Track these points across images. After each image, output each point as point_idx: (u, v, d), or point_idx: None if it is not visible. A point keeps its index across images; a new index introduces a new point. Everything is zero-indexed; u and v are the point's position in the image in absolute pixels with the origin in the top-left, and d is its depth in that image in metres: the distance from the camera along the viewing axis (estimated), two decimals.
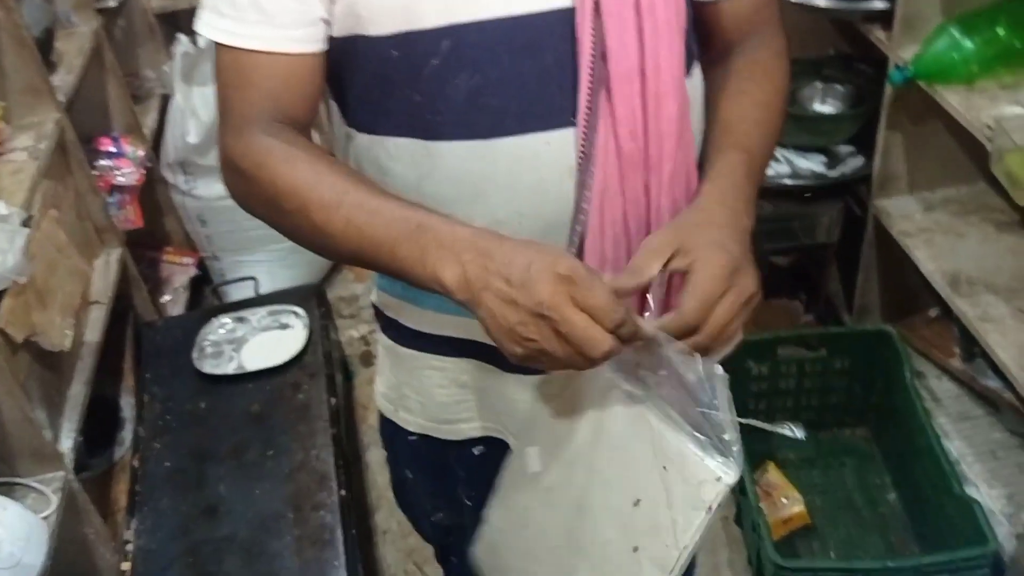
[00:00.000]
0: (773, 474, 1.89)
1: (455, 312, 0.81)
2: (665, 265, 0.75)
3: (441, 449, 1.10)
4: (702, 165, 0.87)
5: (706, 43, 0.94)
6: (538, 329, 0.70)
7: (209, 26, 0.83)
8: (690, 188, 0.86)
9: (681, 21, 0.83)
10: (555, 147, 0.82)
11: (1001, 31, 1.47)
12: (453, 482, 1.16)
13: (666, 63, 0.81)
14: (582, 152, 0.81)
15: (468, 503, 1.17)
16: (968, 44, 1.46)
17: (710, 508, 0.73)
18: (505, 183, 0.83)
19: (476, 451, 1.08)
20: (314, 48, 0.83)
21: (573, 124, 0.81)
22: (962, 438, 1.77)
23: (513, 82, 0.80)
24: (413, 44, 0.80)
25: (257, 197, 0.84)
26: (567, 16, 0.79)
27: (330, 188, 0.79)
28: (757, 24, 0.94)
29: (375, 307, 1.08)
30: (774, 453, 1.97)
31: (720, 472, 0.71)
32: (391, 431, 1.15)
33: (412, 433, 1.11)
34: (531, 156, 0.82)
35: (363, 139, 0.89)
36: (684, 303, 0.74)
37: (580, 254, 0.85)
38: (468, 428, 1.06)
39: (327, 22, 0.83)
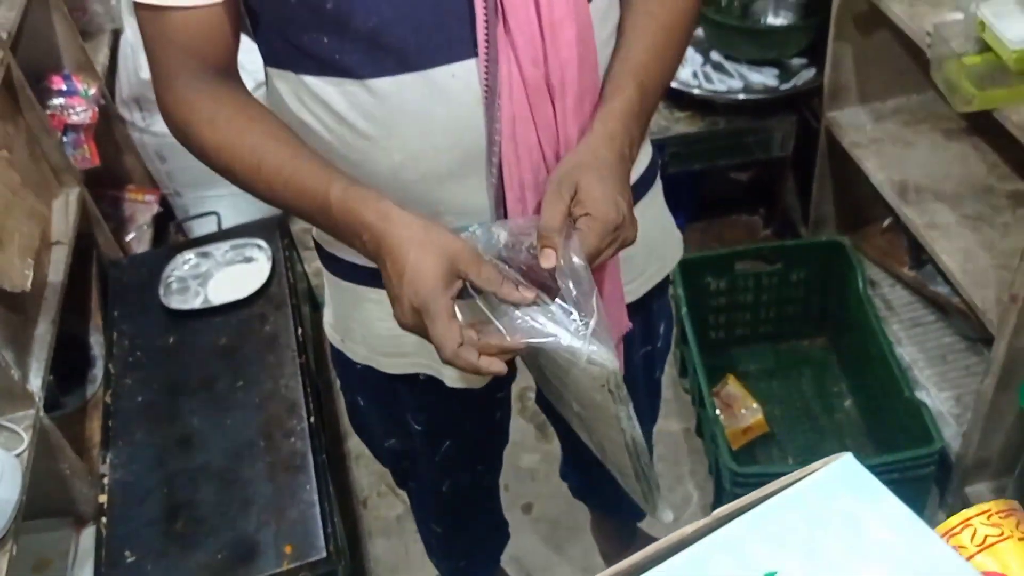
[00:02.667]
0: (733, 386, 1.94)
1: None
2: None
3: (388, 377, 1.13)
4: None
5: None
6: (413, 318, 0.81)
7: None
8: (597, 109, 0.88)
9: None
10: (461, 79, 0.83)
11: None
12: (402, 408, 1.19)
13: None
14: (486, 83, 0.82)
15: (417, 428, 1.20)
16: None
17: (603, 386, 0.81)
18: (417, 118, 0.84)
19: (422, 377, 1.11)
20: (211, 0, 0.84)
21: (475, 55, 0.82)
22: (914, 344, 1.82)
23: (410, 18, 0.80)
24: None
25: (191, 148, 0.90)
26: None
27: (249, 152, 0.85)
28: None
29: (315, 241, 1.10)
30: (735, 366, 2.02)
31: (587, 352, 0.78)
32: (341, 360, 1.18)
33: (359, 363, 1.14)
34: (439, 90, 0.83)
35: (283, 78, 0.90)
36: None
37: (500, 182, 0.87)
38: (405, 363, 1.09)
39: None
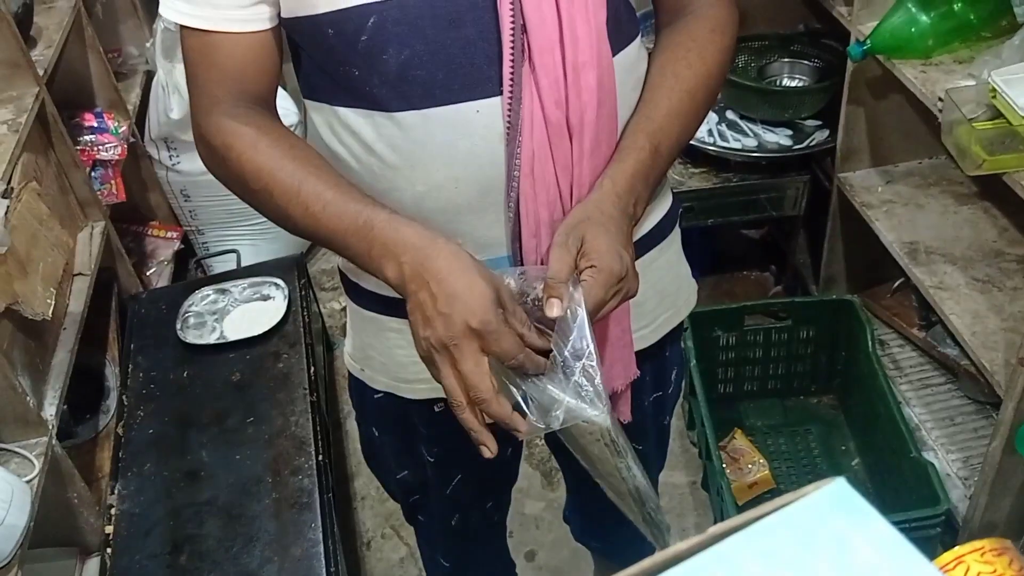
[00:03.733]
0: (740, 440, 1.94)
1: None
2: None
3: (404, 407, 1.15)
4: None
5: (656, 7, 0.99)
6: (441, 353, 0.80)
7: (166, 5, 0.88)
8: (610, 157, 0.91)
9: None
10: (485, 115, 0.86)
11: (957, 5, 1.50)
12: (416, 439, 1.20)
13: (583, 34, 0.84)
14: (508, 120, 0.86)
15: (430, 460, 1.22)
16: (924, 18, 1.49)
17: (599, 440, 0.84)
18: (440, 150, 0.87)
19: (437, 408, 1.13)
20: (259, 27, 0.88)
21: (500, 93, 0.85)
22: (923, 405, 1.82)
23: (439, 54, 0.84)
24: (344, 22, 0.84)
25: (227, 174, 0.91)
26: None
27: (289, 175, 0.85)
28: None
29: (340, 271, 1.13)
30: (742, 420, 2.03)
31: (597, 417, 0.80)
32: (359, 389, 1.20)
33: (377, 391, 1.16)
34: (463, 124, 0.86)
35: (319, 110, 0.94)
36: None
37: (517, 216, 0.90)
38: (425, 388, 1.10)
39: (273, 2, 0.88)
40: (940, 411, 1.80)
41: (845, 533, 0.30)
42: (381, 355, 1.12)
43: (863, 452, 1.92)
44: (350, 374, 1.23)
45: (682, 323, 1.19)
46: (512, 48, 0.83)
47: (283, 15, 0.88)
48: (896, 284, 1.93)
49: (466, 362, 0.79)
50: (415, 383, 1.11)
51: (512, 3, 0.82)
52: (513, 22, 0.82)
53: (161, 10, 0.89)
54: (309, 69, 0.92)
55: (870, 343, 1.82)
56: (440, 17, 0.83)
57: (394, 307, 1.04)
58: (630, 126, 0.92)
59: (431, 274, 0.79)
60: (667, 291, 1.12)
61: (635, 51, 0.95)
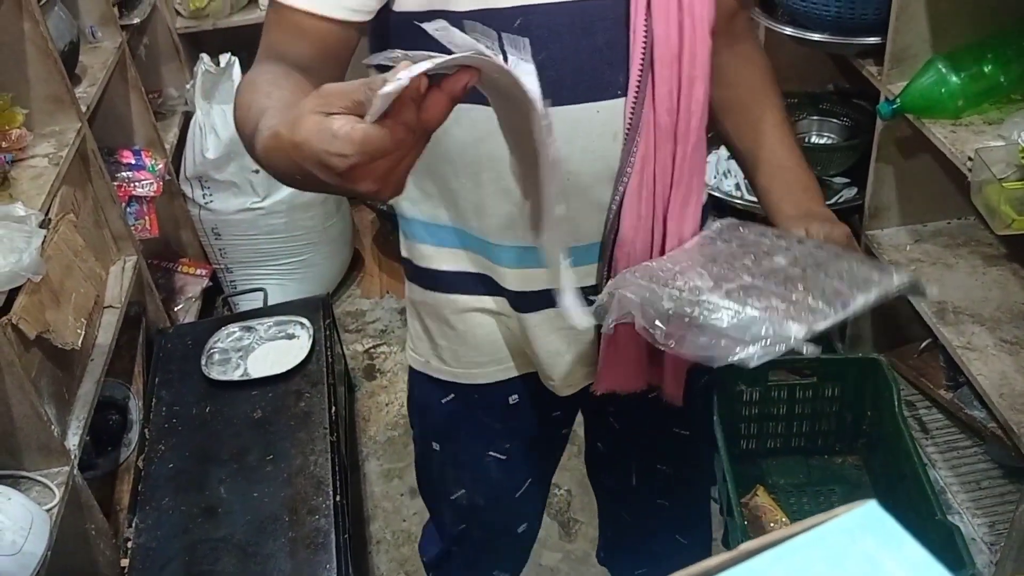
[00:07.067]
0: (762, 498, 1.91)
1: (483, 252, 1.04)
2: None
3: (474, 408, 1.19)
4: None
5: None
6: (340, 176, 0.65)
7: None
8: (704, 157, 1.03)
9: (711, 16, 0.95)
10: (603, 116, 0.95)
11: (987, 67, 1.51)
12: (484, 444, 1.23)
13: (700, 52, 0.94)
14: (630, 122, 0.94)
15: (502, 458, 1.24)
16: (954, 79, 1.50)
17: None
18: (558, 145, 0.90)
19: (511, 400, 1.17)
20: (362, 18, 0.91)
21: (619, 96, 0.94)
22: (949, 467, 1.79)
23: (571, 58, 0.92)
24: (489, 21, 0.82)
25: (236, 128, 0.86)
26: (618, 5, 0.92)
27: (247, 106, 0.80)
28: (739, 13, 1.13)
29: (406, 261, 1.15)
30: (764, 478, 1.99)
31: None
32: (424, 395, 1.23)
33: (446, 396, 1.19)
34: (583, 122, 0.94)
35: None
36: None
37: (619, 208, 0.99)
38: (499, 370, 1.16)
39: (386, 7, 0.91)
40: (966, 474, 1.77)
41: (876, 554, 0.30)
42: (451, 342, 1.16)
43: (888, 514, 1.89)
44: (412, 379, 1.26)
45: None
46: (642, 58, 0.92)
47: (414, 8, 0.90)
48: (923, 344, 1.91)
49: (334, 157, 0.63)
50: (488, 366, 1.16)
51: (646, 19, 0.91)
52: (646, 35, 0.92)
53: None
54: None
55: (896, 403, 1.79)
56: (576, 25, 0.91)
57: (470, 285, 1.10)
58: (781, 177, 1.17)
59: (285, 131, 0.66)
60: None
61: None
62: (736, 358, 0.82)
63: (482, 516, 1.34)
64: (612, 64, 0.93)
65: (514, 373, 1.18)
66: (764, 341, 0.84)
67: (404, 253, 1.15)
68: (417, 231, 1.11)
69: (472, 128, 0.96)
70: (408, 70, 0.61)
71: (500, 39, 0.68)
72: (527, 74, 0.67)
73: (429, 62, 0.63)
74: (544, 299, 1.06)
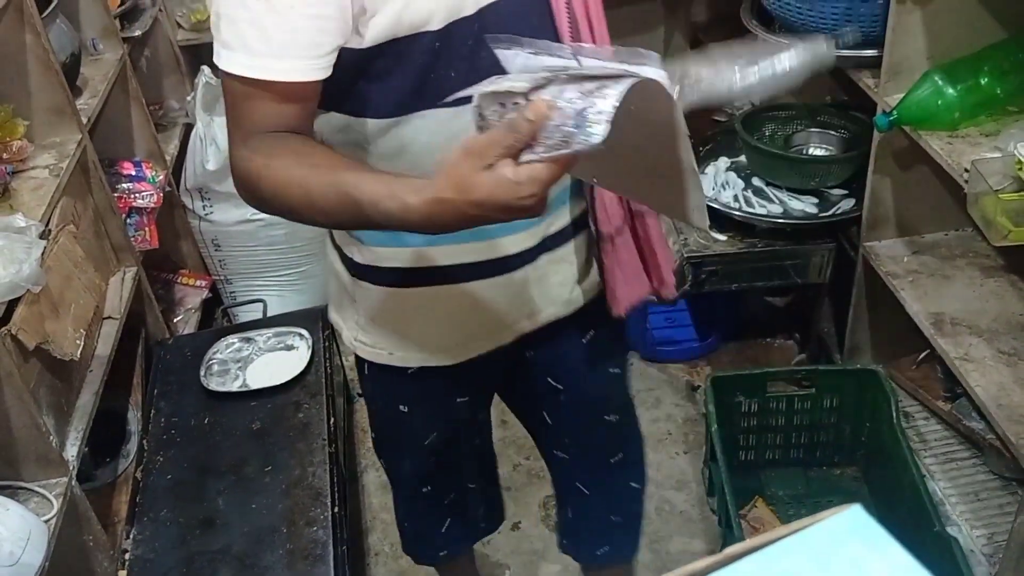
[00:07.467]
0: (761, 509, 1.91)
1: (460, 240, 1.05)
2: None
3: (445, 372, 1.27)
4: None
5: None
6: (504, 212, 0.81)
7: (228, 60, 0.94)
8: None
9: None
10: None
11: (983, 80, 1.52)
12: (450, 392, 1.34)
13: (597, 26, 1.09)
14: None
15: (464, 399, 1.36)
16: (951, 91, 1.51)
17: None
18: None
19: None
20: (324, 75, 0.95)
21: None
22: (947, 479, 1.79)
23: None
24: (455, 33, 0.98)
25: (258, 201, 0.98)
26: None
27: (297, 186, 0.92)
28: None
29: (368, 267, 1.19)
30: (763, 489, 2.00)
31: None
32: (390, 375, 1.29)
33: (410, 367, 1.26)
34: None
35: (381, 125, 1.03)
36: None
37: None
38: (470, 349, 1.25)
39: (344, 46, 0.96)
40: (965, 486, 1.77)
41: (861, 557, 0.30)
42: (422, 331, 1.23)
43: (886, 526, 1.85)
44: (368, 369, 1.32)
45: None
46: (569, 23, 1.05)
47: (374, 43, 0.96)
48: (921, 355, 1.91)
49: (507, 193, 0.78)
50: (457, 348, 1.24)
51: (567, 5, 1.05)
52: (569, 17, 1.05)
53: (221, 64, 0.94)
54: (383, 89, 1.01)
55: (894, 414, 1.80)
56: (518, 15, 1.01)
57: (446, 274, 1.17)
58: None
59: (429, 191, 0.82)
60: None
61: None
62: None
63: (453, 445, 1.43)
64: (547, 35, 1.02)
65: (490, 347, 1.26)
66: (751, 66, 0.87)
67: (363, 260, 1.20)
68: (365, 233, 1.17)
69: (440, 130, 1.02)
70: (605, 101, 0.73)
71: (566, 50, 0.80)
72: (656, 69, 0.75)
73: (615, 94, 0.73)
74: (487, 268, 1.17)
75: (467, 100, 0.90)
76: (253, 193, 0.97)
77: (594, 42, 1.09)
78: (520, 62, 0.82)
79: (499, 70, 0.90)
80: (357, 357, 1.36)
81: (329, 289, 1.36)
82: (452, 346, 1.25)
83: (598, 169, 0.87)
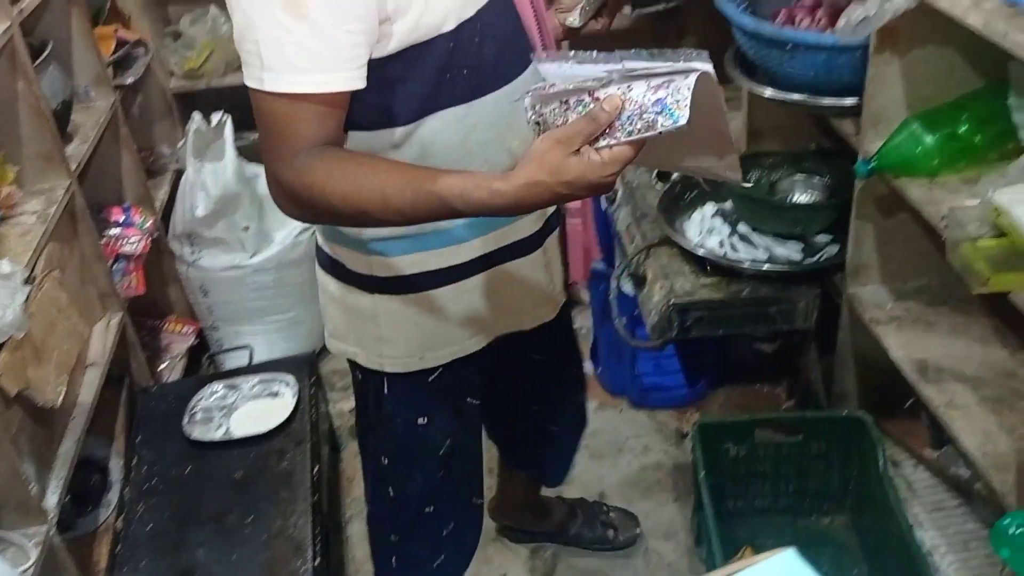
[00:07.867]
0: (750, 560, 1.88)
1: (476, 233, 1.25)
2: None
3: (465, 369, 1.38)
4: None
5: None
6: (587, 188, 0.95)
7: (276, 80, 0.99)
8: None
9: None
10: (531, 75, 1.17)
11: (962, 127, 1.53)
12: (462, 392, 1.44)
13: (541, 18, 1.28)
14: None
15: (475, 402, 1.47)
16: (929, 139, 1.52)
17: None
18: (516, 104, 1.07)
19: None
20: (363, 85, 1.04)
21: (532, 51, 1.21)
22: (936, 528, 1.77)
23: (510, 39, 1.17)
24: (464, 31, 1.10)
25: (318, 211, 1.05)
26: None
27: (370, 189, 1.01)
28: None
29: (388, 279, 1.27)
30: (752, 538, 1.97)
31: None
32: (412, 384, 1.37)
33: (433, 372, 1.36)
34: (528, 81, 1.12)
35: (405, 131, 1.13)
36: None
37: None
38: (489, 334, 1.38)
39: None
40: (954, 535, 1.75)
41: None
42: (445, 329, 1.32)
43: (877, 575, 1.86)
44: (387, 386, 1.38)
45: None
46: (540, 35, 1.25)
47: (399, 48, 1.05)
48: (908, 402, 1.90)
49: (590, 175, 0.93)
50: (480, 334, 1.36)
51: (533, 5, 1.24)
52: (536, 17, 1.25)
53: (266, 87, 0.99)
54: (405, 93, 1.10)
55: (881, 463, 1.79)
56: (501, 13, 1.16)
57: (459, 272, 1.29)
58: None
59: (520, 180, 0.94)
60: None
61: None
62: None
63: (463, 452, 1.50)
64: (522, 33, 1.21)
65: (505, 330, 1.42)
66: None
67: (384, 272, 1.27)
68: (390, 247, 1.25)
69: (458, 127, 1.14)
70: (680, 91, 0.90)
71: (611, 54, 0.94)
72: (705, 64, 0.91)
73: (687, 85, 0.90)
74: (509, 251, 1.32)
75: (475, 97, 1.12)
76: (314, 204, 1.03)
77: (542, 33, 1.26)
78: (564, 72, 0.96)
79: (501, 63, 1.14)
80: (369, 384, 1.42)
81: (334, 322, 1.42)
82: (479, 332, 1.36)
83: (650, 147, 0.97)
